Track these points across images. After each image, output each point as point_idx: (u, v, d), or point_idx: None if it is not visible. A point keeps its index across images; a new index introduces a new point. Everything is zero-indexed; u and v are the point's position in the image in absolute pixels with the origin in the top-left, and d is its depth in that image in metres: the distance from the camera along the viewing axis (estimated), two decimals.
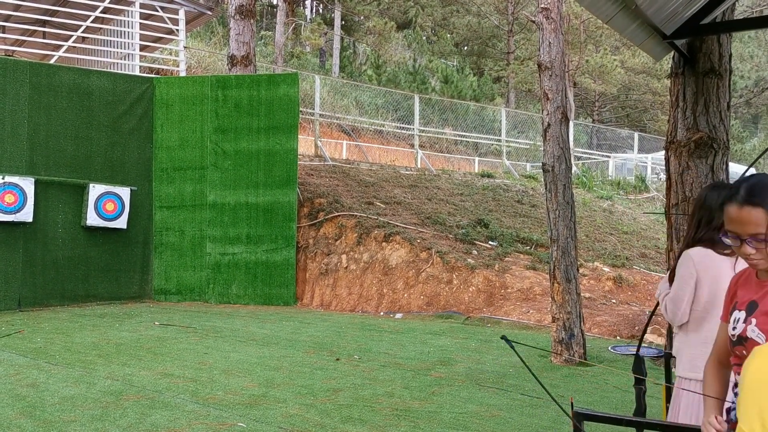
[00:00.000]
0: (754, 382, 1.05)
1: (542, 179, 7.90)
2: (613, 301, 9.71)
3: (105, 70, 12.51)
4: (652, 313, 3.86)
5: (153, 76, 12.83)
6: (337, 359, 6.74)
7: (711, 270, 2.95)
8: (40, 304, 10.07)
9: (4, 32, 15.80)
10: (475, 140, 22.02)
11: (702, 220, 3.02)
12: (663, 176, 20.74)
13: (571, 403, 2.63)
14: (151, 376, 5.90)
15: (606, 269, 10.73)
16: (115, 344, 7.33)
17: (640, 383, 3.37)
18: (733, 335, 2.03)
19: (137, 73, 12.91)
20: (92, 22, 12.96)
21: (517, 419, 4.88)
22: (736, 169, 23.08)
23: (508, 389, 5.70)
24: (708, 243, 2.98)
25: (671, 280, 3.12)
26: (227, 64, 12.49)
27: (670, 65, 6.39)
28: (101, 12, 12.92)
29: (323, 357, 6.85)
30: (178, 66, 13.67)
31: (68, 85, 10.46)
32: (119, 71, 12.75)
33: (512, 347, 2.47)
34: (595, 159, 24.89)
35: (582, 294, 7.78)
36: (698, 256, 2.97)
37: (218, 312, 10.00)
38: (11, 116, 9.94)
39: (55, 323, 8.69)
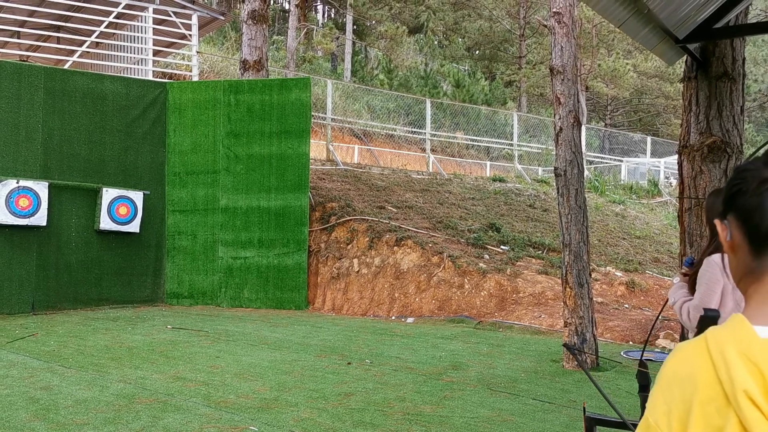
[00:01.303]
0: (668, 378, 1.05)
1: (554, 183, 7.88)
2: (626, 305, 9.66)
3: (118, 74, 12.60)
4: (656, 318, 3.84)
5: (166, 80, 12.90)
6: (349, 363, 6.74)
7: None
8: (54, 307, 10.14)
9: (18, 38, 15.96)
10: (487, 144, 22.00)
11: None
12: (675, 181, 20.60)
13: (584, 408, 2.62)
14: (164, 380, 5.93)
15: (618, 274, 10.68)
16: (127, 347, 7.36)
17: (644, 391, 3.35)
18: None
19: (150, 77, 12.99)
20: (106, 27, 13.07)
21: (528, 424, 4.86)
22: None
23: (520, 394, 5.68)
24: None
25: (692, 287, 3.06)
26: (240, 69, 12.55)
27: (683, 69, 6.36)
28: (115, 17, 13.03)
29: (335, 361, 6.85)
30: (190, 71, 13.75)
31: (82, 90, 10.54)
32: (133, 76, 12.84)
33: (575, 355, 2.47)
34: (607, 163, 24.78)
35: (594, 299, 7.75)
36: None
37: (230, 316, 10.03)
38: (26, 121, 10.03)
39: (68, 326, 8.75)
